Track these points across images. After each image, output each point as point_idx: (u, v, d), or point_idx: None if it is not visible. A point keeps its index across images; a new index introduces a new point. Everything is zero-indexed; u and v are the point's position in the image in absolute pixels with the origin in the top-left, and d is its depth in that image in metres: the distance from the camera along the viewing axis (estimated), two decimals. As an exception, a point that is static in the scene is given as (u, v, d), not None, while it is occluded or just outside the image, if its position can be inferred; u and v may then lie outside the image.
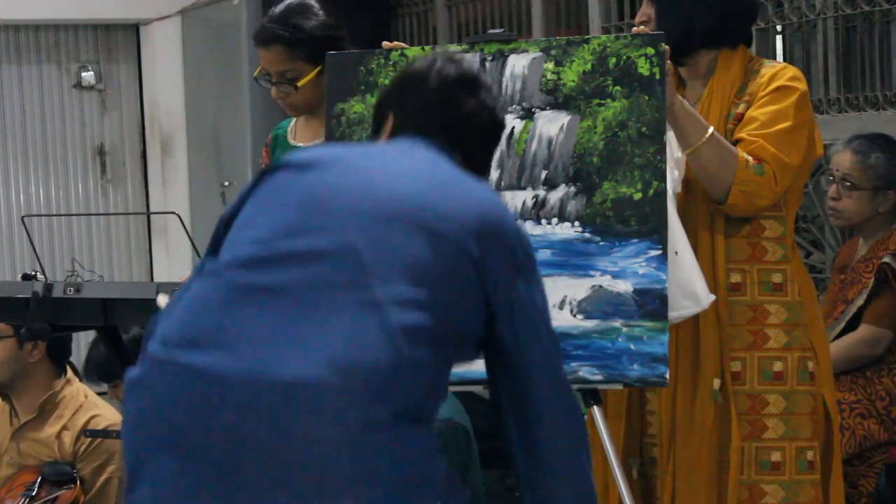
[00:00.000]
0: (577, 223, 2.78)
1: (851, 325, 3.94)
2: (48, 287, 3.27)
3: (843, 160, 4.06)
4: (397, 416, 2.01)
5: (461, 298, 2.10)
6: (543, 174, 2.81)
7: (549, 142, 2.80)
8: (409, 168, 2.17)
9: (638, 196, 2.75)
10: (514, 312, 2.15)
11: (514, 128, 2.83)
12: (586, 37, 2.99)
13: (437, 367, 2.09)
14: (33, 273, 3.53)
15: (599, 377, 2.72)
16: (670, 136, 2.82)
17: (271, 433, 1.97)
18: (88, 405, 4.26)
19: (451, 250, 2.09)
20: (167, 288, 3.05)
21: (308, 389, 1.97)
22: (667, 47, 2.74)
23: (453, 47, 2.88)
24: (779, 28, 5.06)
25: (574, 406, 2.27)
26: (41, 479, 4.12)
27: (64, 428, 4.25)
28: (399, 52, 2.88)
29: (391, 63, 2.88)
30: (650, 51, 2.75)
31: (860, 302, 3.93)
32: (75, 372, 4.46)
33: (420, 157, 2.20)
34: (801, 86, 2.93)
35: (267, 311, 2.03)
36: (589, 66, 2.79)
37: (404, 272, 2.05)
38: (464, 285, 2.10)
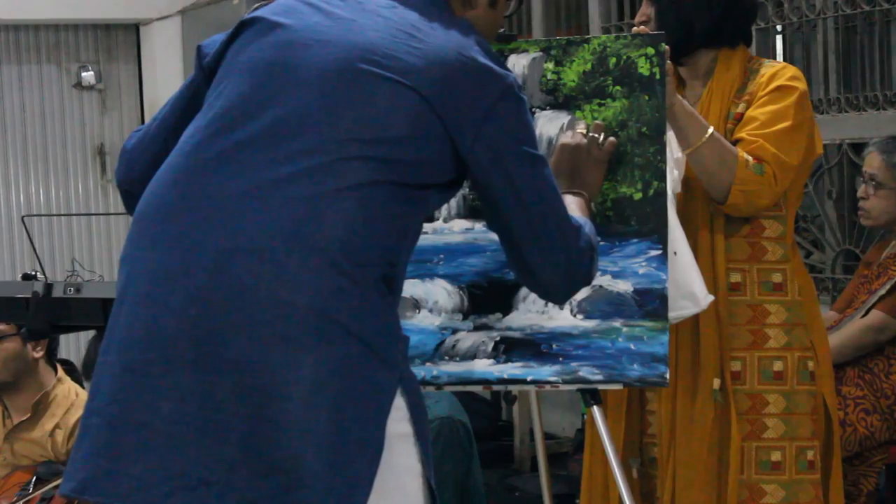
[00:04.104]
0: (577, 223, 2.78)
1: None
2: (48, 287, 3.27)
3: (872, 160, 4.08)
4: (362, 282, 2.06)
5: (425, 149, 2.13)
6: (543, 174, 2.80)
7: (550, 142, 2.80)
8: (374, 20, 2.19)
9: (638, 196, 2.75)
10: (483, 162, 2.18)
11: (514, 128, 2.83)
12: (586, 37, 2.98)
13: (401, 222, 2.13)
14: (33, 273, 3.53)
15: (599, 377, 2.72)
16: (670, 136, 2.82)
17: (239, 294, 2.02)
18: (80, 403, 4.27)
19: (413, 99, 2.11)
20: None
21: (271, 262, 2.03)
22: (667, 47, 2.74)
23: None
24: (779, 28, 5.06)
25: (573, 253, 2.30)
26: (36, 479, 4.13)
27: (56, 426, 4.26)
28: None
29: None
30: (650, 51, 2.75)
31: (882, 292, 3.95)
32: (67, 371, 4.47)
33: (389, 7, 2.22)
34: (801, 85, 2.93)
35: (231, 182, 2.08)
36: (589, 66, 2.79)
37: (362, 129, 2.09)
38: (428, 134, 2.13)
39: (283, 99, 2.13)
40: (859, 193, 4.14)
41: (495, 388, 2.83)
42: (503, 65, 2.23)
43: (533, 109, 2.82)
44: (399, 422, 2.11)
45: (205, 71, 2.29)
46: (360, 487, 2.04)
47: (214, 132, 2.14)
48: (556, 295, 2.40)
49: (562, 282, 2.32)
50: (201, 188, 2.10)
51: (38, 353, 4.26)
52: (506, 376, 2.77)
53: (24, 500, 4.07)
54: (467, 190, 2.84)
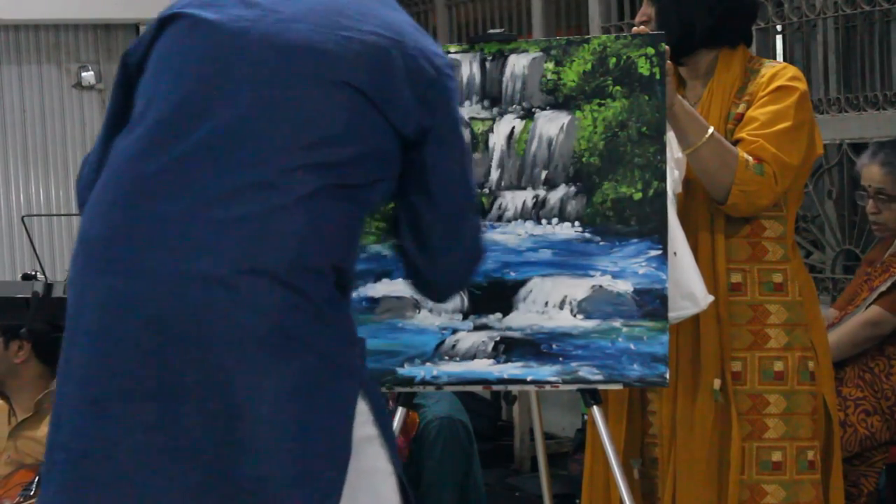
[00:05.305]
0: (577, 223, 2.78)
1: None
2: (48, 287, 3.27)
3: (874, 174, 4.02)
4: (314, 296, 2.04)
5: (367, 142, 2.09)
6: (544, 174, 2.81)
7: (550, 142, 2.80)
8: (299, 9, 2.13)
9: (638, 196, 2.75)
10: (420, 142, 2.14)
11: (514, 128, 2.83)
12: (586, 37, 2.99)
13: (349, 224, 2.11)
14: (33, 273, 3.53)
15: (599, 377, 2.72)
16: (670, 136, 2.82)
17: (193, 321, 2.00)
18: None
19: (347, 94, 2.07)
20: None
21: (223, 286, 2.00)
22: (667, 47, 2.74)
23: (453, 47, 2.88)
24: (779, 28, 5.06)
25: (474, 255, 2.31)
26: (38, 479, 4.12)
27: None
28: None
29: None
30: (650, 51, 2.75)
31: (883, 289, 3.94)
32: None
33: None
34: (802, 86, 2.93)
35: (176, 202, 2.04)
36: (589, 66, 2.79)
37: (300, 134, 2.05)
38: (368, 127, 2.09)
39: (216, 108, 2.08)
40: (869, 209, 4.06)
41: (495, 388, 2.83)
42: (436, 44, 2.19)
43: (533, 109, 2.82)
44: (363, 425, 2.10)
45: (130, 75, 2.23)
46: (329, 498, 2.04)
47: (149, 145, 2.08)
48: (441, 290, 2.36)
49: (453, 274, 2.31)
50: (145, 210, 2.05)
51: (20, 359, 4.23)
52: (506, 376, 2.77)
53: (26, 501, 4.07)
54: (467, 190, 2.84)
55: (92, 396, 2.04)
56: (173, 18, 2.17)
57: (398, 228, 2.25)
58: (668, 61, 2.74)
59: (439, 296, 2.43)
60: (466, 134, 2.69)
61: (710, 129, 2.82)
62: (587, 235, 2.77)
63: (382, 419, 2.14)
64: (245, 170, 2.04)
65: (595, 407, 2.79)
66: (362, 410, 2.10)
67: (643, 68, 2.75)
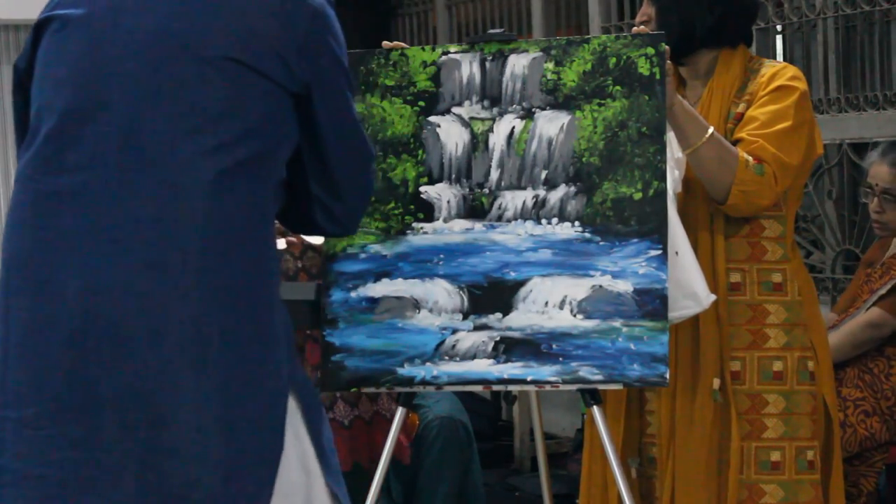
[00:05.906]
0: (577, 223, 2.78)
1: None
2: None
3: (882, 173, 4.01)
4: (232, 290, 2.01)
5: (256, 112, 2.05)
6: (543, 174, 2.81)
7: (550, 142, 2.80)
8: None
9: (638, 196, 2.75)
10: (310, 92, 2.10)
11: (514, 128, 2.83)
12: (586, 37, 2.99)
13: (258, 202, 2.07)
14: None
15: (599, 377, 2.72)
16: (670, 136, 2.82)
17: (111, 333, 1.99)
18: None
19: (226, 68, 2.03)
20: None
21: (136, 295, 1.99)
22: (667, 47, 2.75)
23: (453, 47, 2.88)
24: (779, 28, 5.06)
25: (370, 178, 2.30)
26: None
27: None
28: (399, 51, 2.89)
29: (391, 63, 2.89)
30: (650, 51, 2.75)
31: (883, 291, 3.93)
32: None
33: None
34: (802, 85, 2.93)
35: (80, 216, 2.02)
36: (589, 66, 2.79)
37: (190, 120, 2.02)
38: (255, 96, 2.05)
39: (100, 111, 2.05)
40: (873, 207, 4.05)
41: (495, 388, 2.83)
42: None
43: (533, 109, 2.82)
44: (291, 423, 2.09)
45: (22, 81, 2.20)
46: (259, 495, 2.03)
47: (45, 161, 2.06)
48: (353, 222, 2.32)
49: (361, 202, 2.29)
50: (53, 228, 2.04)
51: None
52: (506, 376, 2.77)
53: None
54: (467, 190, 2.84)
55: (24, 418, 2.04)
56: (47, 22, 2.14)
57: (306, 176, 2.20)
58: (669, 61, 2.74)
59: (351, 228, 2.37)
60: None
61: (710, 129, 2.82)
62: (587, 235, 2.78)
63: (312, 417, 2.13)
64: (139, 171, 2.01)
65: (595, 407, 2.79)
66: (291, 409, 2.09)
67: (643, 68, 2.75)
